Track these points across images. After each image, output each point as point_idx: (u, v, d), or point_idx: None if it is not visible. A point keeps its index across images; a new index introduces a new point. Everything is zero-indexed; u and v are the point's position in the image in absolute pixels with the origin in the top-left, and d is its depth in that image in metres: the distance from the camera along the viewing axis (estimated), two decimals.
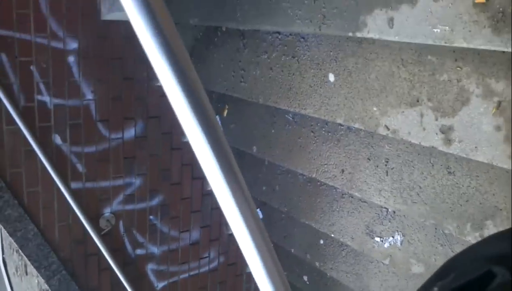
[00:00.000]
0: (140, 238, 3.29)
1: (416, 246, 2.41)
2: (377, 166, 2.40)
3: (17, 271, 8.41)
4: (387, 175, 2.36)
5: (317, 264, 3.27)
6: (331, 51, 2.33)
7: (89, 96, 2.87)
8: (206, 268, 3.69)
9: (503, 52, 1.68)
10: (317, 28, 2.18)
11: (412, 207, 2.25)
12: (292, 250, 3.46)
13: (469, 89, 1.82)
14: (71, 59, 2.75)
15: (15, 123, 2.65)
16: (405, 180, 2.27)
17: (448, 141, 1.91)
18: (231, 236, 3.74)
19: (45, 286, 7.16)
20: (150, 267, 3.42)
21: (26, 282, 7.87)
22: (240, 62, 2.86)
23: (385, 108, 2.11)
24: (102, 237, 3.09)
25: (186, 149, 3.31)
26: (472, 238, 2.03)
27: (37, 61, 2.64)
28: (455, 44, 1.70)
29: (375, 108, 2.16)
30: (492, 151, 1.80)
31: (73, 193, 2.93)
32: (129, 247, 3.26)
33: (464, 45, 1.68)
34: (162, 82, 0.74)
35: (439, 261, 2.31)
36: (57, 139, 2.82)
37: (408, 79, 2.00)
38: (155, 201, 3.29)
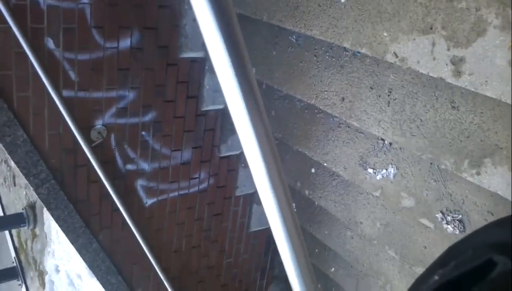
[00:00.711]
0: (131, 153, 3.25)
1: (408, 179, 2.40)
2: (379, 96, 2.33)
3: (5, 181, 8.49)
4: (388, 106, 2.29)
5: (306, 192, 3.28)
6: None
7: None
8: (196, 188, 3.68)
9: None
10: None
11: (410, 140, 2.21)
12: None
13: (487, 19, 1.72)
14: None
15: (6, 22, 2.51)
16: (406, 111, 2.21)
17: (457, 73, 1.83)
18: (222, 159, 3.72)
19: (33, 198, 7.22)
20: (140, 183, 3.40)
21: (14, 193, 7.97)
22: None
23: (396, 34, 2.01)
24: (93, 149, 3.03)
25: (182, 65, 3.19)
26: (468, 175, 2.01)
27: None
28: None
29: (385, 34, 2.05)
30: (502, 86, 1.72)
31: (64, 101, 2.84)
32: (119, 161, 3.22)
33: None
34: None
35: (431, 196, 2.31)
36: (50, 43, 2.69)
37: (424, 4, 1.89)
38: (147, 117, 3.21)
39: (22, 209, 7.29)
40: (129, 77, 3.02)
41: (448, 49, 1.83)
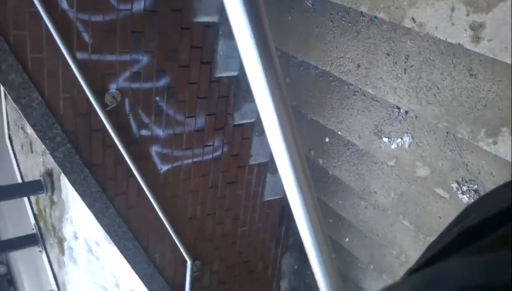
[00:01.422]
0: (145, 119, 3.24)
1: (424, 149, 2.35)
2: (396, 63, 2.27)
3: (22, 148, 8.63)
4: (405, 73, 2.23)
5: (320, 161, 3.25)
6: None
7: None
8: (210, 156, 3.68)
9: None
10: None
11: (426, 108, 2.15)
12: None
13: None
14: None
15: None
16: (423, 79, 2.15)
17: (476, 39, 1.77)
18: (236, 126, 3.70)
19: (50, 165, 7.32)
20: (155, 149, 3.40)
21: (31, 160, 8.10)
22: None
23: None
24: (107, 113, 3.04)
25: (196, 30, 3.15)
26: (485, 144, 1.96)
27: None
28: None
29: None
30: None
31: (78, 63, 2.83)
32: (134, 126, 3.22)
33: None
34: None
35: (446, 166, 2.26)
36: (64, 4, 2.66)
37: None
38: (161, 82, 3.19)
39: (40, 176, 7.39)
40: (143, 40, 2.99)
41: (468, 14, 1.76)
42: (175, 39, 3.10)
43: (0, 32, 2.52)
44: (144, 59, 3.04)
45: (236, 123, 3.67)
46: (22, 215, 9.73)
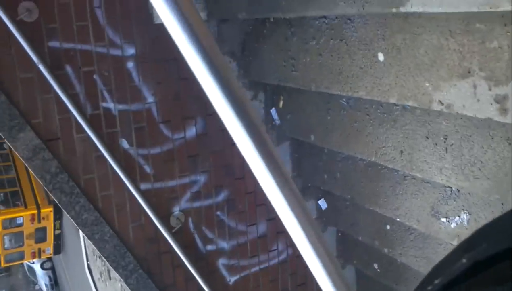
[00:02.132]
0: (209, 234, 3.40)
1: (483, 223, 2.32)
2: (436, 144, 2.33)
3: (101, 276, 8.95)
4: (446, 152, 2.29)
5: (385, 250, 3.22)
6: (378, 30, 2.29)
7: (150, 99, 3.01)
8: (276, 260, 3.73)
9: None
10: (360, 8, 2.16)
11: (475, 183, 2.17)
12: (360, 238, 3.42)
13: None
14: (130, 64, 2.91)
15: (84, 131, 2.83)
16: (465, 155, 2.19)
17: (504, 111, 1.83)
18: None
19: (128, 290, 7.50)
20: (221, 262, 3.51)
21: (110, 287, 8.35)
22: (289, 51, 2.88)
23: (437, 82, 2.05)
24: (174, 235, 3.22)
25: None
26: None
27: (99, 70, 2.81)
28: (501, 9, 1.63)
29: (427, 84, 2.10)
30: None
31: (143, 193, 3.08)
32: (199, 243, 3.38)
33: (510, 8, 1.60)
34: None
35: None
36: (124, 143, 2.98)
37: (458, 50, 1.93)
38: (220, 197, 3.38)
39: None
40: (199, 162, 3.23)
41: (490, 89, 1.84)
42: (228, 155, 3.33)
43: (72, 179, 2.82)
44: (202, 178, 3.26)
45: None
46: None
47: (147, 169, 3.09)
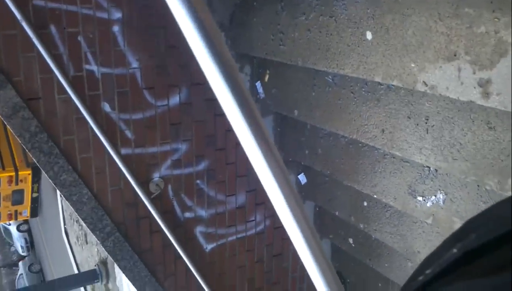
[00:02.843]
0: (188, 202, 3.42)
1: (458, 204, 2.38)
2: (418, 124, 2.37)
3: (78, 240, 8.97)
4: (427, 133, 2.33)
5: (361, 226, 3.29)
6: (368, 9, 2.29)
7: (135, 64, 2.97)
8: (253, 231, 3.78)
9: None
10: None
11: (453, 164, 2.22)
12: (337, 213, 3.49)
13: (507, 40, 1.76)
14: (115, 28, 2.86)
15: (66, 92, 2.79)
16: (445, 137, 2.24)
17: (486, 94, 1.87)
18: None
19: (105, 254, 7.54)
20: (199, 229, 3.54)
21: (86, 251, 8.40)
22: (278, 25, 2.87)
23: (423, 64, 2.07)
24: (152, 201, 3.23)
25: None
26: None
27: (84, 32, 2.76)
28: None
29: (413, 65, 2.12)
30: None
31: (123, 158, 3.07)
32: (178, 210, 3.40)
33: None
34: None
35: None
36: (106, 107, 2.95)
37: (445, 33, 1.95)
38: (201, 166, 3.39)
39: (95, 266, 7.65)
40: (181, 131, 3.22)
41: (474, 73, 1.87)
42: (211, 126, 3.32)
43: (51, 139, 2.79)
44: (183, 147, 3.26)
45: None
46: None
47: (128, 134, 3.07)
